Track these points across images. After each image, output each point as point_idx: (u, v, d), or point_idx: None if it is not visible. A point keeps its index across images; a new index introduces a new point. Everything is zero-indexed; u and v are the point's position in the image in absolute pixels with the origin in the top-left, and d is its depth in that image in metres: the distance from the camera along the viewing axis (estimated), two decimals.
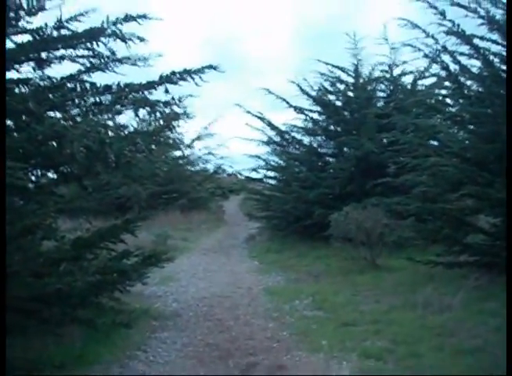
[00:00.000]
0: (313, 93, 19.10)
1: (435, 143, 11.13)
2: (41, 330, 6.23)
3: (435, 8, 9.44)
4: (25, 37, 6.64)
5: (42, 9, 6.65)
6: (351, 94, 18.59)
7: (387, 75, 18.44)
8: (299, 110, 19.31)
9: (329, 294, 9.85)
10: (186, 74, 7.13)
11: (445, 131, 10.56)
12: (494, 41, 9.15)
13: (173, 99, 7.18)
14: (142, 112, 7.16)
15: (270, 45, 74.87)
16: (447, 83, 11.05)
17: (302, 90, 18.96)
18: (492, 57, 9.20)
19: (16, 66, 6.65)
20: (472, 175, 9.18)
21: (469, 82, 10.00)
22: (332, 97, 19.17)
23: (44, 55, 6.78)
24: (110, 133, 6.70)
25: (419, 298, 8.37)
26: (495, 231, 9.45)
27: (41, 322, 6.14)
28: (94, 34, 6.85)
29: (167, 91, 7.16)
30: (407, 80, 18.28)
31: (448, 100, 11.27)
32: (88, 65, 7.11)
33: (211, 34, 75.23)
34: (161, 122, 7.40)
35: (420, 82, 17.56)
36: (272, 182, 21.73)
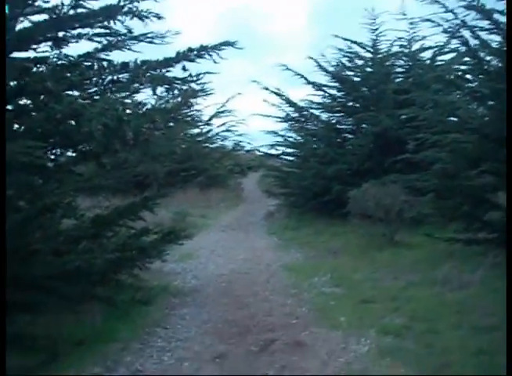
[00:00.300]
0: (331, 69, 18.98)
1: (454, 119, 11.01)
2: (61, 307, 6.30)
3: None
4: (42, 17, 6.65)
5: None
6: (369, 70, 18.42)
7: (406, 50, 18.18)
8: (317, 86, 19.21)
9: (347, 271, 9.87)
10: (203, 50, 7.10)
11: (465, 107, 10.44)
12: None
13: (191, 75, 7.15)
14: (160, 89, 7.14)
15: (287, 21, 74.36)
16: (466, 58, 10.91)
17: (320, 66, 18.84)
18: None
19: (34, 45, 6.66)
20: (491, 151, 9.09)
21: (488, 58, 9.85)
22: (350, 73, 19.02)
23: (61, 34, 6.78)
24: (128, 111, 6.69)
25: (437, 275, 8.36)
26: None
27: (61, 299, 6.19)
28: (110, 12, 6.84)
29: (184, 68, 7.14)
30: (426, 55, 17.96)
31: (467, 76, 11.12)
32: (105, 43, 7.10)
33: (227, 10, 74.71)
34: (179, 99, 7.39)
35: (438, 58, 17.27)
36: (290, 158, 21.70)
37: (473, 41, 9.67)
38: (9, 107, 6.43)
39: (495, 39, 9.50)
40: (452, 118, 11.08)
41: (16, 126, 6.32)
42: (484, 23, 9.31)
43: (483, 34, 9.48)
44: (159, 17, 7.04)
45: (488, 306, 6.75)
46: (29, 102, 6.57)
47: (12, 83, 6.27)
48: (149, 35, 7.16)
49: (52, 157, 7.12)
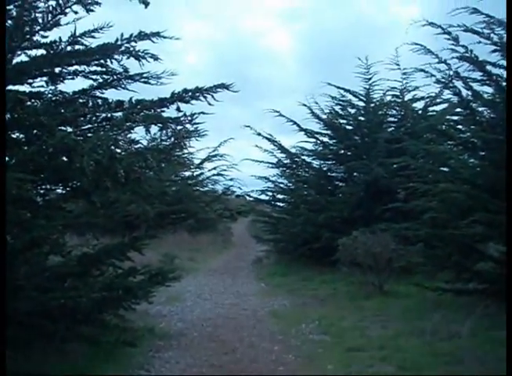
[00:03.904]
0: (324, 117, 19.17)
1: (446, 169, 11.06)
2: (44, 345, 6.19)
3: (448, 33, 9.41)
4: (39, 52, 6.69)
5: (57, 24, 6.68)
6: (362, 118, 18.61)
7: (399, 100, 18.43)
8: (309, 133, 19.37)
9: (335, 319, 9.76)
10: (198, 92, 7.12)
11: (456, 158, 10.50)
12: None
13: (185, 115, 7.17)
14: (154, 129, 7.15)
15: (280, 68, 75.39)
16: (459, 109, 11.00)
17: (313, 113, 19.05)
18: (504, 84, 9.15)
19: (30, 79, 6.68)
20: (483, 201, 9.10)
21: (481, 109, 9.96)
22: (343, 121, 19.18)
23: (57, 70, 6.81)
24: (121, 149, 6.69)
25: (427, 325, 8.26)
26: (506, 259, 9.34)
27: (45, 337, 6.09)
28: (107, 51, 6.89)
29: (178, 109, 7.16)
30: (418, 105, 18.26)
31: (459, 126, 11.21)
32: (101, 81, 7.13)
33: (222, 56, 75.79)
34: (172, 140, 7.38)
35: (431, 108, 17.52)
36: (281, 204, 21.71)
37: (465, 92, 9.80)
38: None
39: (487, 90, 9.65)
40: (443, 168, 11.13)
41: (6, 158, 6.27)
42: (477, 75, 9.45)
43: (475, 86, 9.62)
44: (155, 58, 7.10)
45: (479, 357, 6.67)
46: (21, 135, 6.55)
47: (6, 116, 6.26)
48: (145, 75, 7.20)
49: (42, 191, 7.07)
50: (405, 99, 18.35)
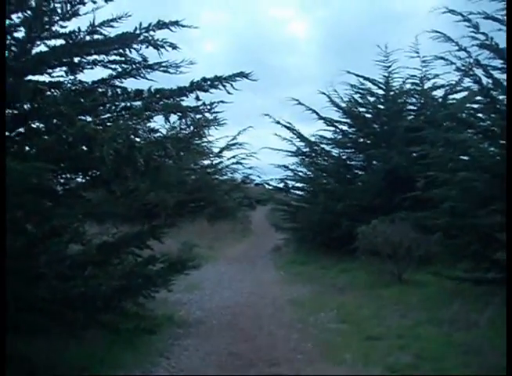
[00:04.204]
0: (343, 105, 19.10)
1: (465, 158, 10.98)
2: (64, 332, 6.25)
3: (468, 20, 9.33)
4: (58, 42, 6.71)
5: (76, 14, 6.70)
6: (381, 106, 18.52)
7: (418, 88, 18.29)
8: (328, 121, 19.32)
9: (354, 308, 9.78)
10: (217, 81, 7.10)
11: (476, 146, 10.41)
12: None
13: (204, 104, 7.16)
14: (173, 118, 7.16)
15: (299, 57, 75.05)
16: (479, 97, 10.91)
17: (332, 101, 19.02)
18: None
19: (49, 69, 6.71)
20: (502, 190, 9.03)
21: (501, 97, 9.85)
22: (362, 109, 19.11)
23: (76, 59, 6.82)
24: (140, 138, 6.71)
25: (445, 314, 8.26)
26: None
27: (65, 325, 6.15)
28: (126, 40, 6.88)
29: (198, 98, 7.15)
30: (438, 93, 18.08)
31: (479, 115, 11.11)
32: (120, 70, 7.15)
33: (241, 44, 75.60)
34: (191, 129, 7.39)
35: (451, 96, 17.36)
36: (300, 193, 21.71)
37: (486, 80, 9.69)
38: (21, 130, 6.47)
39: None
40: (463, 157, 11.04)
41: (27, 148, 6.32)
42: (498, 62, 9.34)
43: (496, 73, 9.51)
44: (174, 47, 7.08)
45: (497, 347, 6.63)
46: (41, 125, 6.59)
47: (25, 105, 6.30)
48: (164, 64, 7.19)
49: (62, 181, 7.12)
50: (425, 87, 18.21)
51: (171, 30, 7.06)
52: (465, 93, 14.73)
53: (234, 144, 28.39)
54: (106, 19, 6.77)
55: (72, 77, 6.86)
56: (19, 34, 6.47)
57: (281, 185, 21.84)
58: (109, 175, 6.77)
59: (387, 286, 11.46)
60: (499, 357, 6.26)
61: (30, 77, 6.53)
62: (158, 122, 7.21)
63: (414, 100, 18.77)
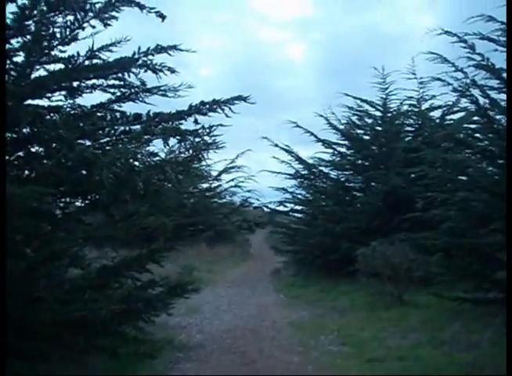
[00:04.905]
0: (341, 127, 19.17)
1: (464, 178, 11.00)
2: (64, 356, 6.21)
3: (464, 41, 9.41)
4: (57, 66, 6.77)
5: (75, 38, 6.76)
6: (379, 128, 18.59)
7: (416, 109, 18.40)
8: (327, 143, 19.37)
9: (354, 330, 9.72)
10: (216, 104, 7.16)
11: (474, 166, 10.44)
12: None
13: (203, 127, 7.20)
14: (172, 141, 7.18)
15: (296, 79, 75.43)
16: (476, 117, 10.96)
17: (330, 124, 19.07)
18: None
19: (48, 93, 6.75)
20: (502, 210, 9.04)
21: (498, 116, 9.90)
22: (360, 131, 19.19)
23: (75, 83, 6.88)
24: (139, 162, 6.73)
25: (446, 335, 8.22)
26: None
27: (65, 349, 6.12)
28: (125, 64, 6.95)
29: (196, 121, 7.20)
30: (436, 114, 18.20)
31: (477, 135, 11.16)
32: (119, 94, 7.19)
33: (238, 68, 75.94)
34: (190, 152, 7.41)
35: (448, 117, 17.43)
36: (299, 215, 21.70)
37: (483, 100, 9.76)
38: (21, 153, 6.50)
39: (504, 98, 9.57)
40: (461, 177, 11.07)
41: (26, 172, 6.34)
42: (494, 82, 9.41)
43: (493, 93, 9.58)
44: (172, 71, 7.16)
45: (499, 366, 6.59)
46: (41, 149, 6.62)
47: (24, 130, 6.33)
48: (163, 88, 7.25)
49: (62, 204, 7.13)
50: (422, 108, 18.37)
51: (169, 54, 7.13)
52: (462, 114, 14.76)
53: (233, 167, 28.55)
54: (104, 44, 6.85)
55: (71, 102, 6.93)
56: (19, 58, 6.55)
57: (280, 208, 21.81)
58: (109, 198, 6.79)
59: (387, 307, 11.40)
60: None
61: (29, 102, 6.59)
62: (157, 146, 7.25)
63: (412, 121, 18.88)
